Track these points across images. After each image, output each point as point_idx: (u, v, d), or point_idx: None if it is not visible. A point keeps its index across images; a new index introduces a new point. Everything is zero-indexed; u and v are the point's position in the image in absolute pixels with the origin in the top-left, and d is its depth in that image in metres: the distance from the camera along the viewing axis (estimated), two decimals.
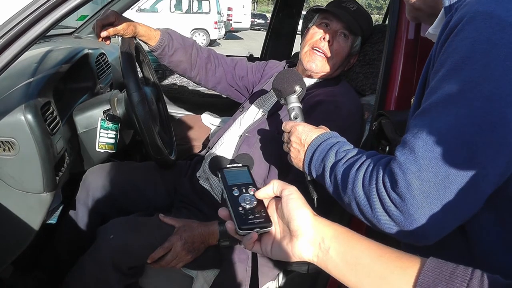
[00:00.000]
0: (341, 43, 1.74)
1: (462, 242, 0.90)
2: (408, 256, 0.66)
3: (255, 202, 0.82)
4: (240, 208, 0.80)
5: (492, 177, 0.78)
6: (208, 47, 2.03)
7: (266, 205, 0.83)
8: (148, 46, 1.85)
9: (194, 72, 1.96)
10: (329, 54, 1.73)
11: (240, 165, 0.92)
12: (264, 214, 0.80)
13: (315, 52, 1.74)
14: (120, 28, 1.67)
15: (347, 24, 1.73)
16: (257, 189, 0.84)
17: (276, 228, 0.80)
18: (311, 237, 0.73)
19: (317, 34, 1.75)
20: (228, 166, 0.91)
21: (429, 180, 0.79)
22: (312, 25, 1.82)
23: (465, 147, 0.77)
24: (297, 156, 1.18)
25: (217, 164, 0.93)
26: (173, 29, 1.93)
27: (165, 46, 1.83)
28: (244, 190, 0.84)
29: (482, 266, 0.86)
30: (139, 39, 1.79)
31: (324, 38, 1.73)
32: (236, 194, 0.83)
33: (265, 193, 0.82)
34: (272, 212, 0.81)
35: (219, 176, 0.88)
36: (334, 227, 0.74)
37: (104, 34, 1.66)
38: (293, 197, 0.77)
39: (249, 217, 0.79)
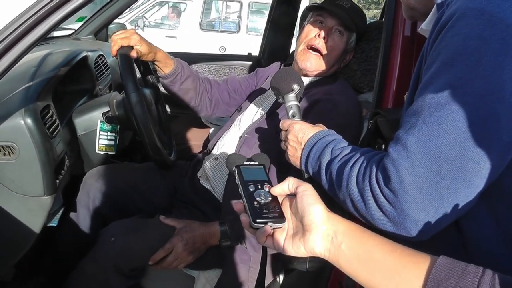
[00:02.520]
0: (336, 40, 1.75)
1: (457, 238, 0.90)
2: (420, 253, 0.68)
3: (270, 198, 0.84)
4: (255, 203, 0.83)
5: (485, 173, 0.78)
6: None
7: (280, 202, 0.85)
8: (159, 72, 1.85)
9: (198, 100, 1.97)
10: (324, 51, 1.73)
11: (257, 163, 0.95)
12: (278, 210, 0.82)
13: (310, 51, 1.74)
14: (143, 52, 1.67)
15: (341, 21, 1.73)
16: (272, 186, 0.86)
17: (289, 225, 0.82)
18: (324, 231, 0.75)
19: (312, 32, 1.76)
20: (245, 163, 0.94)
21: (421, 175, 0.80)
22: (307, 23, 1.83)
23: (457, 142, 0.77)
24: (294, 154, 1.20)
25: (234, 161, 0.95)
26: None
27: (178, 74, 1.84)
28: (259, 186, 0.87)
29: (476, 262, 0.87)
30: (155, 64, 1.79)
31: (319, 35, 1.73)
32: (251, 190, 0.86)
33: (281, 189, 0.85)
34: (286, 209, 0.84)
35: (236, 172, 0.91)
36: (346, 223, 0.76)
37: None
38: (308, 193, 0.79)
39: (264, 211, 0.81)
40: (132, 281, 1.61)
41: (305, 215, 0.77)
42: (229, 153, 1.74)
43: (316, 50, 1.73)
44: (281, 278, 1.66)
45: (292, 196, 0.83)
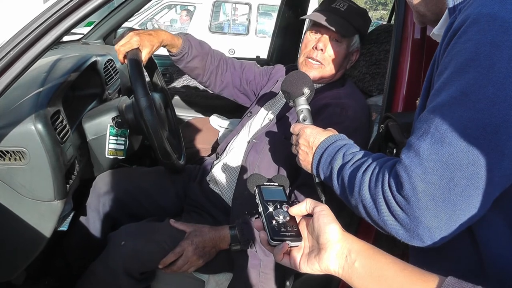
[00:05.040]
0: (335, 48, 1.72)
1: (470, 244, 0.90)
2: (429, 273, 0.70)
3: (288, 218, 0.88)
4: (274, 221, 0.87)
5: (497, 180, 0.78)
6: (220, 51, 2.04)
7: (297, 222, 0.89)
8: (168, 52, 1.86)
9: (205, 77, 1.98)
10: (324, 62, 1.72)
11: (276, 184, 0.99)
12: (295, 229, 0.86)
13: (310, 62, 1.73)
14: (148, 52, 1.65)
15: (337, 30, 1.68)
16: (291, 206, 0.90)
17: (305, 244, 0.85)
18: (338, 250, 0.78)
19: (310, 43, 1.74)
20: (265, 183, 0.98)
21: (434, 182, 0.80)
22: (306, 31, 1.81)
23: (469, 149, 0.77)
24: (306, 158, 1.19)
25: (255, 181, 0.99)
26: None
27: (184, 53, 1.85)
28: (278, 206, 0.91)
29: (489, 269, 0.86)
30: (163, 46, 1.79)
31: (316, 47, 1.71)
32: (271, 209, 0.90)
33: (299, 210, 0.89)
34: (303, 229, 0.88)
35: (256, 191, 0.95)
36: (360, 243, 0.79)
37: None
38: (325, 213, 0.83)
39: (282, 229, 0.86)
40: (142, 284, 1.62)
41: (321, 234, 0.80)
42: (238, 157, 1.75)
43: (315, 61, 1.72)
44: (291, 283, 1.66)
45: (309, 216, 0.87)
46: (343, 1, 1.75)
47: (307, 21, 1.92)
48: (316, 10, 1.79)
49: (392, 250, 0.79)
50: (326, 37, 1.72)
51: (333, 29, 1.67)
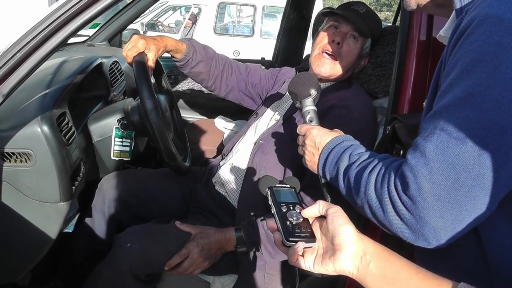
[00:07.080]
0: (351, 45, 1.74)
1: (475, 245, 0.90)
2: (442, 278, 0.71)
3: (301, 219, 0.89)
4: (288, 222, 0.88)
5: (503, 180, 0.78)
6: (225, 55, 2.04)
7: (310, 223, 0.89)
8: (173, 58, 1.86)
9: (210, 82, 1.98)
10: (339, 57, 1.73)
11: (288, 186, 1.00)
12: (309, 230, 0.87)
13: (324, 56, 1.74)
14: (154, 54, 1.66)
15: (356, 26, 1.73)
16: (303, 208, 0.91)
17: (319, 245, 0.86)
18: (354, 251, 0.79)
19: (326, 37, 1.76)
20: (277, 185, 0.99)
21: (439, 183, 0.80)
22: (322, 28, 1.83)
23: (475, 150, 0.77)
24: (312, 159, 1.20)
25: (267, 183, 1.00)
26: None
27: (189, 59, 1.85)
28: (291, 207, 0.92)
29: (494, 270, 0.86)
30: (167, 52, 1.79)
31: (333, 41, 1.73)
32: (284, 210, 0.91)
33: (311, 212, 0.89)
34: (316, 230, 0.88)
35: (268, 193, 0.97)
36: (375, 244, 0.80)
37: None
38: (338, 215, 0.84)
39: (296, 230, 0.86)
40: (148, 286, 1.62)
41: (336, 235, 0.80)
42: (244, 159, 1.75)
43: (330, 55, 1.73)
44: (297, 284, 1.65)
45: (322, 218, 0.88)
46: (362, 5, 1.80)
47: (312, 22, 1.93)
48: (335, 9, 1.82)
49: (399, 252, 0.79)
50: (344, 32, 1.75)
51: (353, 24, 1.72)
